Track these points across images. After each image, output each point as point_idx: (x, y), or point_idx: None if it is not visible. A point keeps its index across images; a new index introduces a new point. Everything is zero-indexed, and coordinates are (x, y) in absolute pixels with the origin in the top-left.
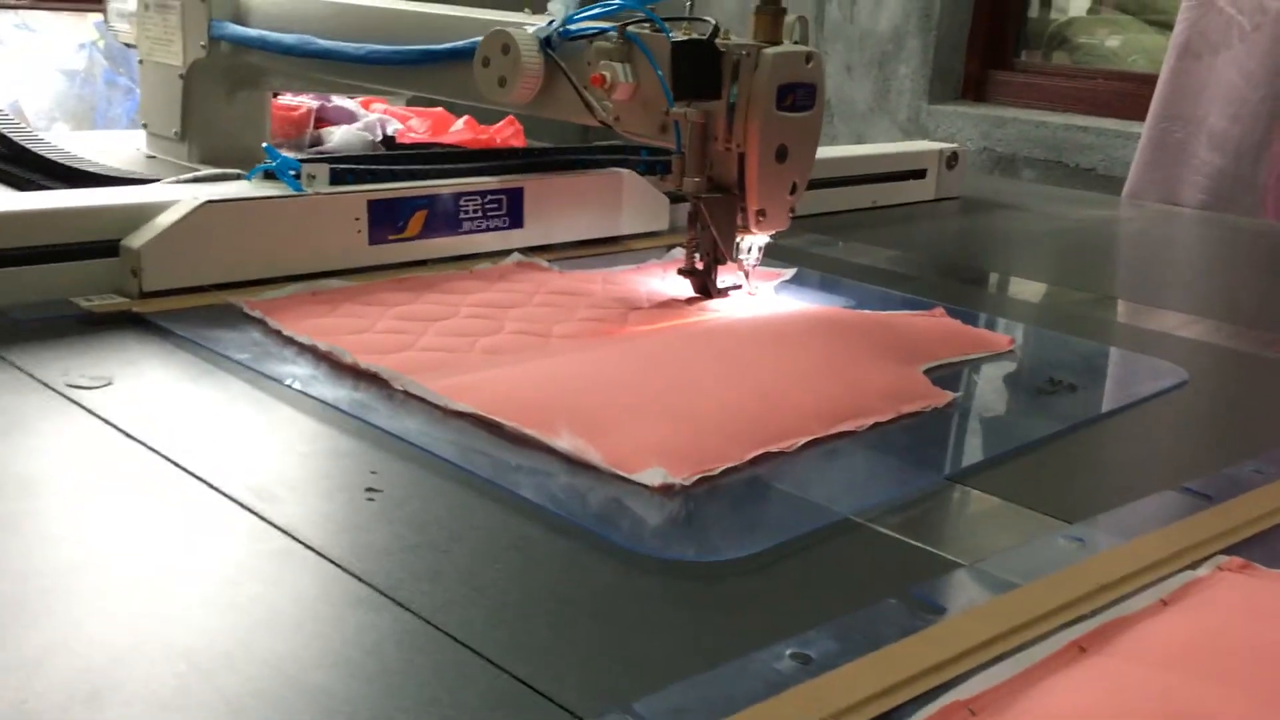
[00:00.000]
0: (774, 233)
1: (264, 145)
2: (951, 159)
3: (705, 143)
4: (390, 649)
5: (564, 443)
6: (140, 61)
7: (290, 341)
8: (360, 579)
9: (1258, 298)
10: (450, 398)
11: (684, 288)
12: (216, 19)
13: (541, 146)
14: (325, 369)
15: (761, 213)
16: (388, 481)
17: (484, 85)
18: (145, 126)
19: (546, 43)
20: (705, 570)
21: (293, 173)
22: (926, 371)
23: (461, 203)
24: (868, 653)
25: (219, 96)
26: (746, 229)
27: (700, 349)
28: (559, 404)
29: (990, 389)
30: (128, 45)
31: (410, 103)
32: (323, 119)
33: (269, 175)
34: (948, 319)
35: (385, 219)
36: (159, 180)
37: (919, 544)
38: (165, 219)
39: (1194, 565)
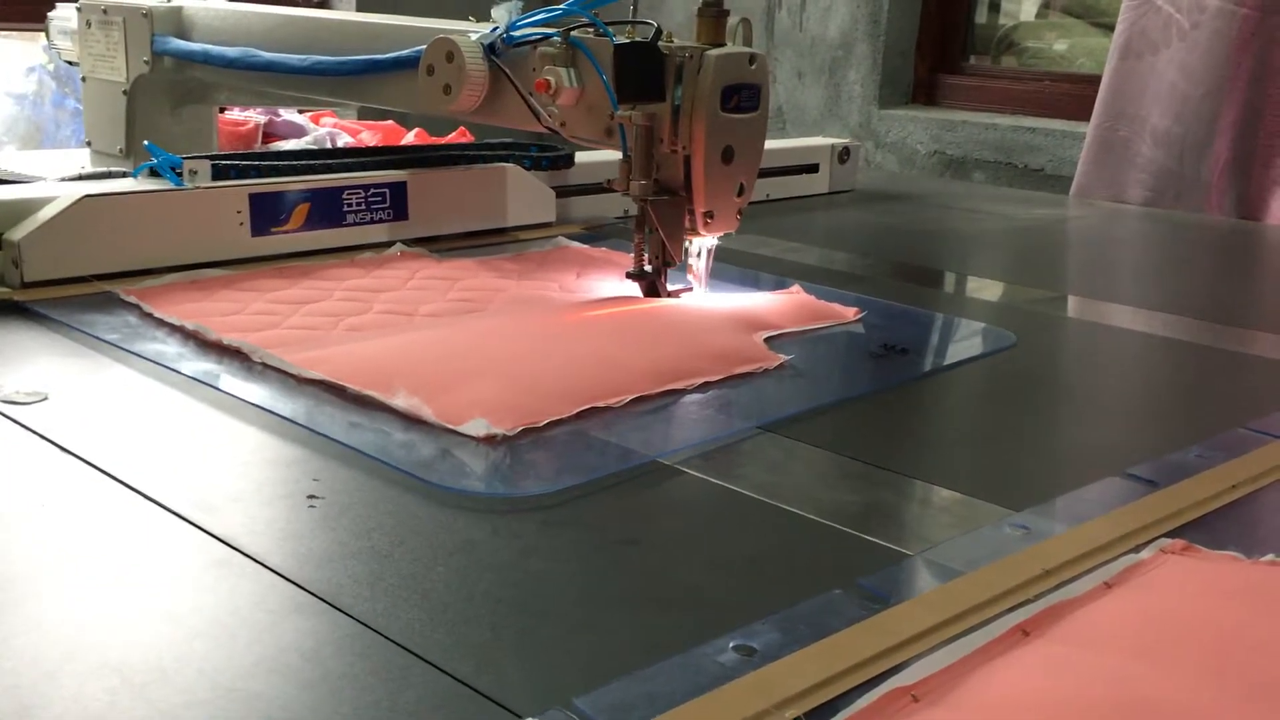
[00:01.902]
0: (722, 234)
1: (145, 143)
2: (844, 154)
3: (651, 145)
4: (329, 654)
5: (400, 401)
6: (83, 79)
7: (161, 323)
8: (299, 585)
9: (1202, 290)
10: (303, 367)
11: (558, 275)
12: (159, 34)
13: (429, 144)
14: (192, 347)
15: (709, 214)
16: (329, 490)
17: (429, 94)
18: (89, 144)
19: (491, 49)
20: (644, 567)
21: (174, 169)
22: (768, 339)
23: (344, 196)
24: (811, 643)
25: (164, 112)
26: (694, 231)
27: (547, 325)
28: (401, 369)
29: (827, 353)
30: (70, 63)
31: (361, 115)
32: (271, 134)
33: (154, 173)
34: (802, 294)
35: (267, 212)
36: (44, 179)
37: (857, 532)
38: (45, 213)
39: (1137, 549)
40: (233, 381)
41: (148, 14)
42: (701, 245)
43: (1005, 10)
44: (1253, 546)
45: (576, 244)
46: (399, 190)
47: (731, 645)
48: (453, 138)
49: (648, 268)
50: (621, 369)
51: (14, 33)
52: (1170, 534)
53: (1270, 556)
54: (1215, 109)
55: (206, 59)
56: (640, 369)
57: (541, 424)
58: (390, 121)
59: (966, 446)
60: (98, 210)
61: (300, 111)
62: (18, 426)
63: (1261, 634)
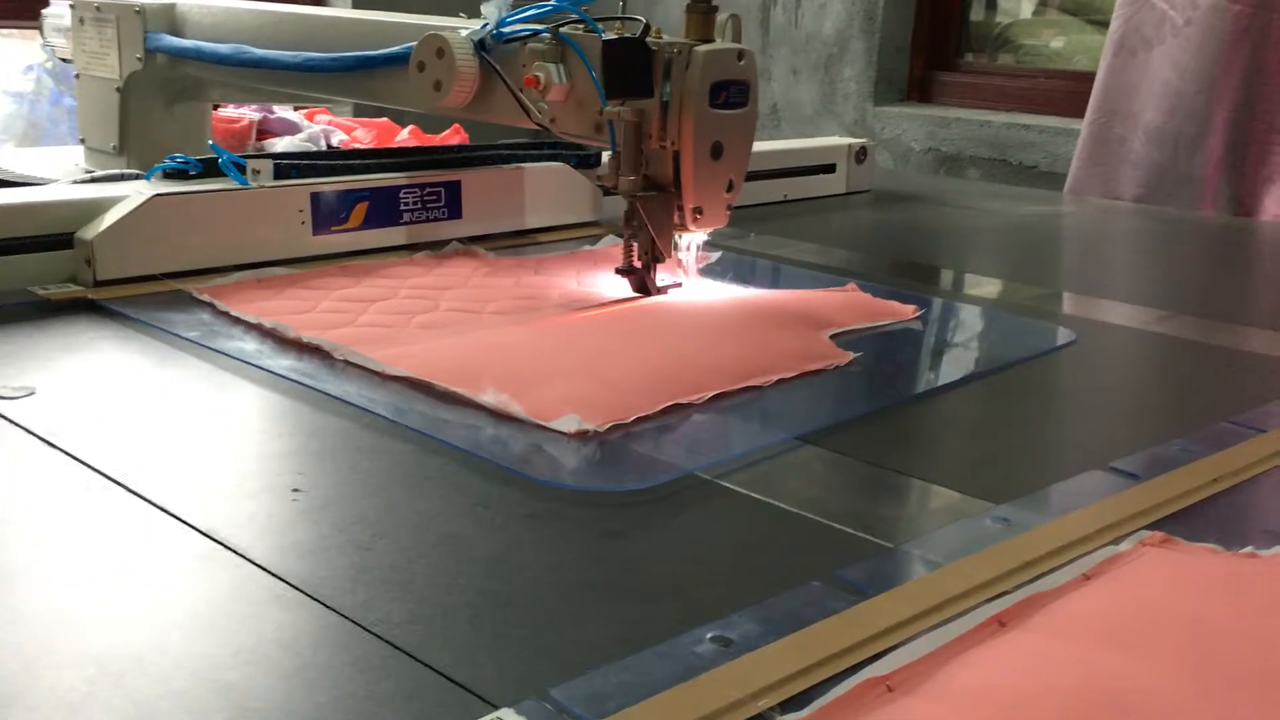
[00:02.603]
0: (711, 230)
1: (209, 143)
2: (860, 154)
3: (640, 141)
4: (308, 646)
5: (489, 398)
6: (77, 76)
7: (237, 321)
8: (280, 577)
9: (1194, 286)
10: (388, 364)
11: (613, 271)
12: (152, 31)
13: (481, 144)
14: (270, 345)
15: (698, 210)
16: (313, 482)
17: (419, 90)
18: (83, 141)
19: (481, 45)
20: (628, 561)
21: (238, 167)
22: (833, 336)
23: (401, 194)
24: (789, 634)
25: (157, 109)
26: (684, 227)
27: (620, 322)
28: (485, 367)
29: (891, 350)
30: (64, 60)
31: (357, 113)
32: (265, 131)
33: (168, 174)
34: (859, 293)
35: (328, 211)
36: (51, 180)
37: (839, 525)
38: (116, 212)
39: (1116, 541)
40: (319, 379)
41: (140, 11)
42: (691, 241)
43: (1002, 8)
44: (1233, 539)
45: None
46: (454, 189)
47: (709, 636)
48: (446, 135)
49: (637, 263)
50: (700, 366)
51: (13, 31)
52: (1151, 527)
53: (1249, 549)
54: (1209, 105)
55: (199, 56)
56: (718, 366)
57: (629, 420)
58: (385, 119)
59: (953, 440)
60: (167, 209)
61: (296, 109)
62: (13, 424)
63: (1237, 625)
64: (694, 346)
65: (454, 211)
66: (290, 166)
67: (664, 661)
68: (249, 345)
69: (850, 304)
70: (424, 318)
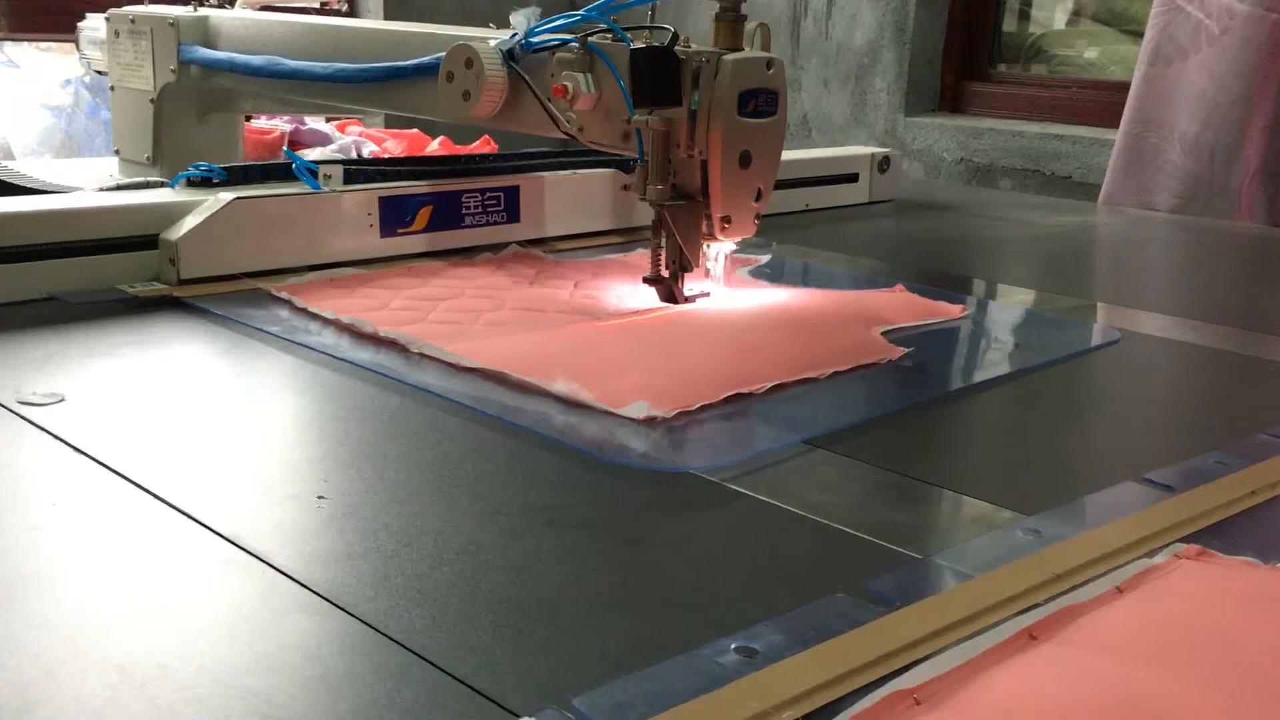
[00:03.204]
0: (739, 239)
1: (284, 149)
2: (883, 163)
3: (668, 150)
4: (330, 653)
5: (560, 387)
6: (112, 88)
7: (315, 317)
8: (303, 584)
9: (1230, 297)
10: (463, 357)
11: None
12: (185, 43)
13: (538, 150)
14: (347, 340)
15: (726, 219)
16: (338, 491)
17: (448, 100)
18: (118, 153)
19: (509, 55)
20: (652, 569)
21: (310, 172)
22: (884, 333)
23: (463, 199)
24: (815, 645)
25: (190, 120)
26: (711, 236)
27: (679, 320)
28: (554, 360)
29: (937, 347)
30: (100, 73)
31: (388, 124)
32: (297, 142)
33: (191, 182)
34: (906, 293)
35: (395, 214)
36: (82, 189)
37: (869, 537)
38: (199, 214)
39: (1151, 554)
40: (398, 372)
41: (174, 23)
42: (719, 250)
43: (1035, 19)
44: (1270, 553)
45: None
46: (512, 194)
47: (733, 646)
48: (476, 145)
49: (664, 272)
50: (759, 359)
51: (51, 45)
52: (1186, 539)
53: None
54: (1245, 115)
55: (232, 67)
56: (777, 359)
57: (694, 408)
58: (415, 130)
59: (986, 448)
60: (247, 212)
61: (327, 120)
62: (36, 427)
63: (1274, 639)
64: (753, 341)
65: (512, 216)
66: (359, 172)
67: (687, 671)
68: (328, 339)
69: (899, 303)
70: (491, 316)
